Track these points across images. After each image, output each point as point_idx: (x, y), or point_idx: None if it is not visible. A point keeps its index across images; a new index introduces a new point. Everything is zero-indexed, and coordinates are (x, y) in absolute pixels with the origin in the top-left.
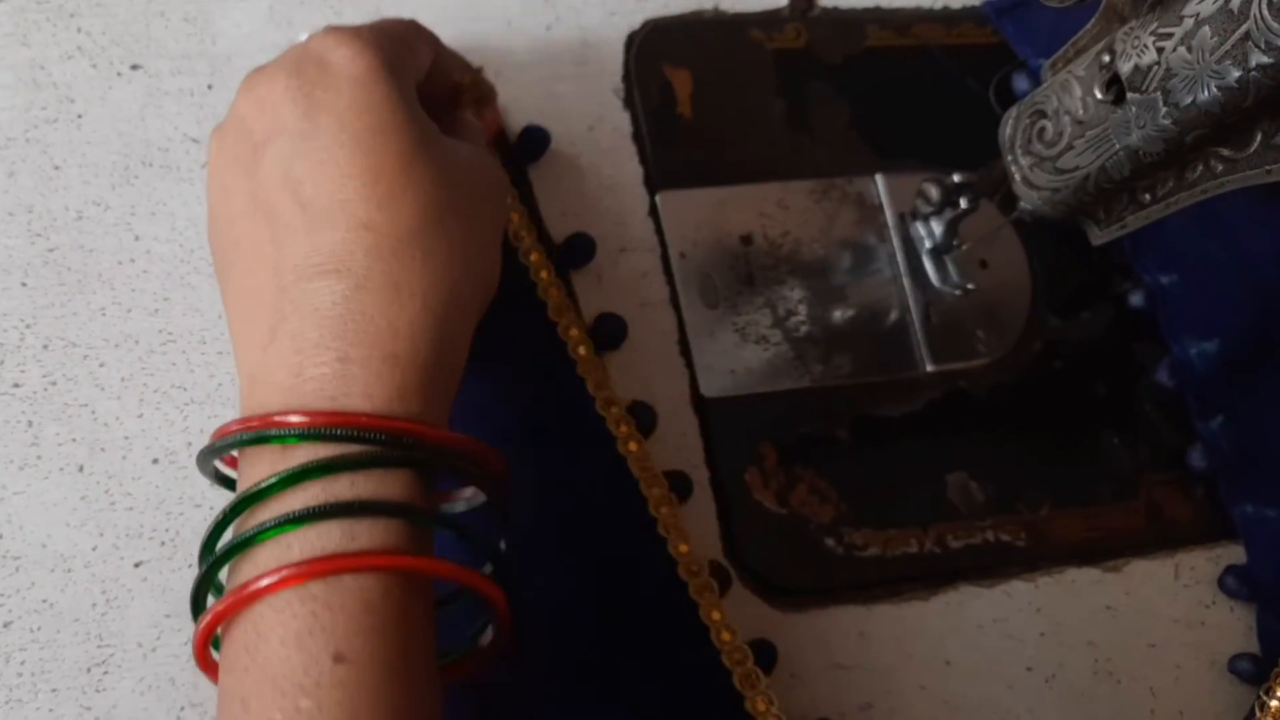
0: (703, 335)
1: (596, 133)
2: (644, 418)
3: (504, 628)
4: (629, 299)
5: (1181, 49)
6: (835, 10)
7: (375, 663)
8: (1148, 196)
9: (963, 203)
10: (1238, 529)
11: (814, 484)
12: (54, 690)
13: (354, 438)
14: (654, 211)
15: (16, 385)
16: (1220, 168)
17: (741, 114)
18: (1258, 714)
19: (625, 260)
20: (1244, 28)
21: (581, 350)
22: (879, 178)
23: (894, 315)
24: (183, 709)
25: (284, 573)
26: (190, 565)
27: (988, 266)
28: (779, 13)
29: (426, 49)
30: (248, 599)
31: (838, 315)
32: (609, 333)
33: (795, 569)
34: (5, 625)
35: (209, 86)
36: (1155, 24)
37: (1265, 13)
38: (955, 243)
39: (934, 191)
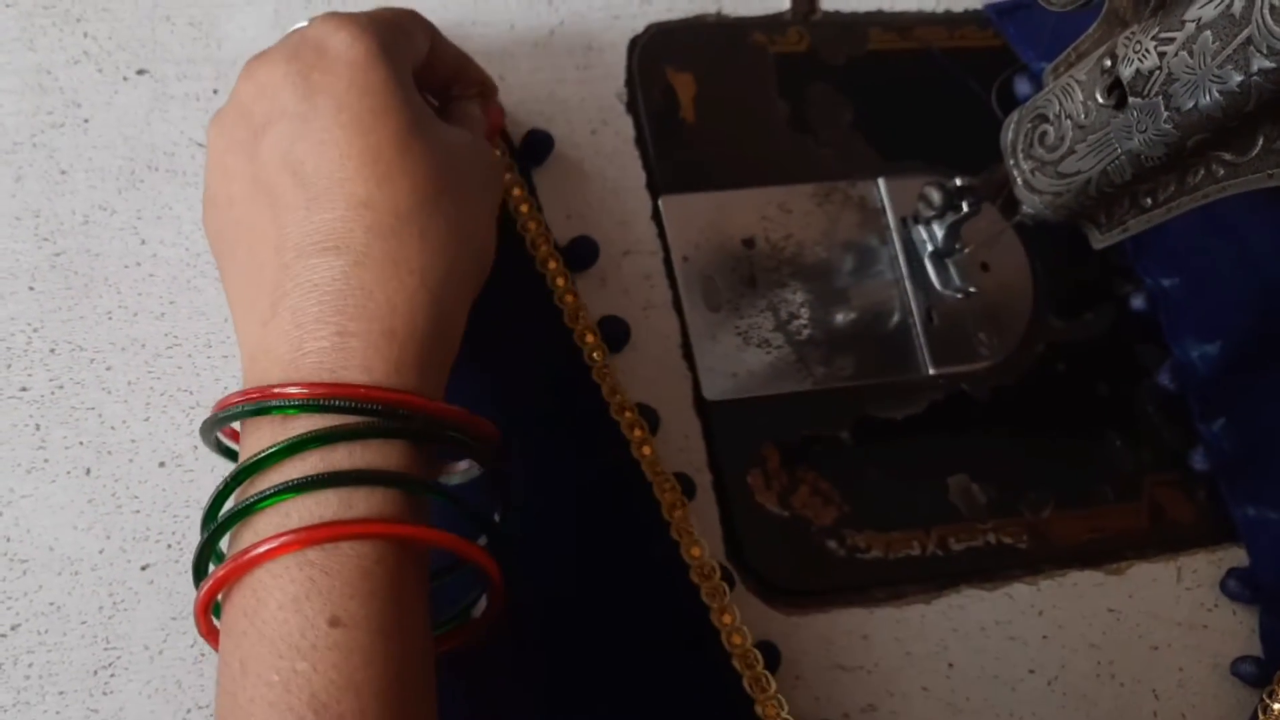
0: (705, 338)
1: (600, 136)
2: (647, 420)
3: (497, 599)
4: (632, 302)
5: (1183, 53)
6: (837, 13)
7: (370, 627)
8: (1149, 200)
9: (965, 206)
10: (1240, 531)
11: (816, 486)
12: (61, 692)
13: (352, 409)
14: (657, 215)
15: (24, 389)
16: (1222, 172)
17: (744, 117)
18: (1260, 717)
19: (628, 263)
20: (1246, 32)
21: (596, 355)
22: (881, 181)
23: (896, 318)
24: (189, 711)
25: (283, 539)
26: None
27: (989, 269)
28: (781, 16)
29: (423, 36)
30: (248, 564)
31: (840, 318)
32: (612, 336)
33: (798, 571)
34: (13, 628)
35: (214, 91)
36: (1157, 28)
37: (1267, 17)
38: (957, 246)
39: (936, 195)
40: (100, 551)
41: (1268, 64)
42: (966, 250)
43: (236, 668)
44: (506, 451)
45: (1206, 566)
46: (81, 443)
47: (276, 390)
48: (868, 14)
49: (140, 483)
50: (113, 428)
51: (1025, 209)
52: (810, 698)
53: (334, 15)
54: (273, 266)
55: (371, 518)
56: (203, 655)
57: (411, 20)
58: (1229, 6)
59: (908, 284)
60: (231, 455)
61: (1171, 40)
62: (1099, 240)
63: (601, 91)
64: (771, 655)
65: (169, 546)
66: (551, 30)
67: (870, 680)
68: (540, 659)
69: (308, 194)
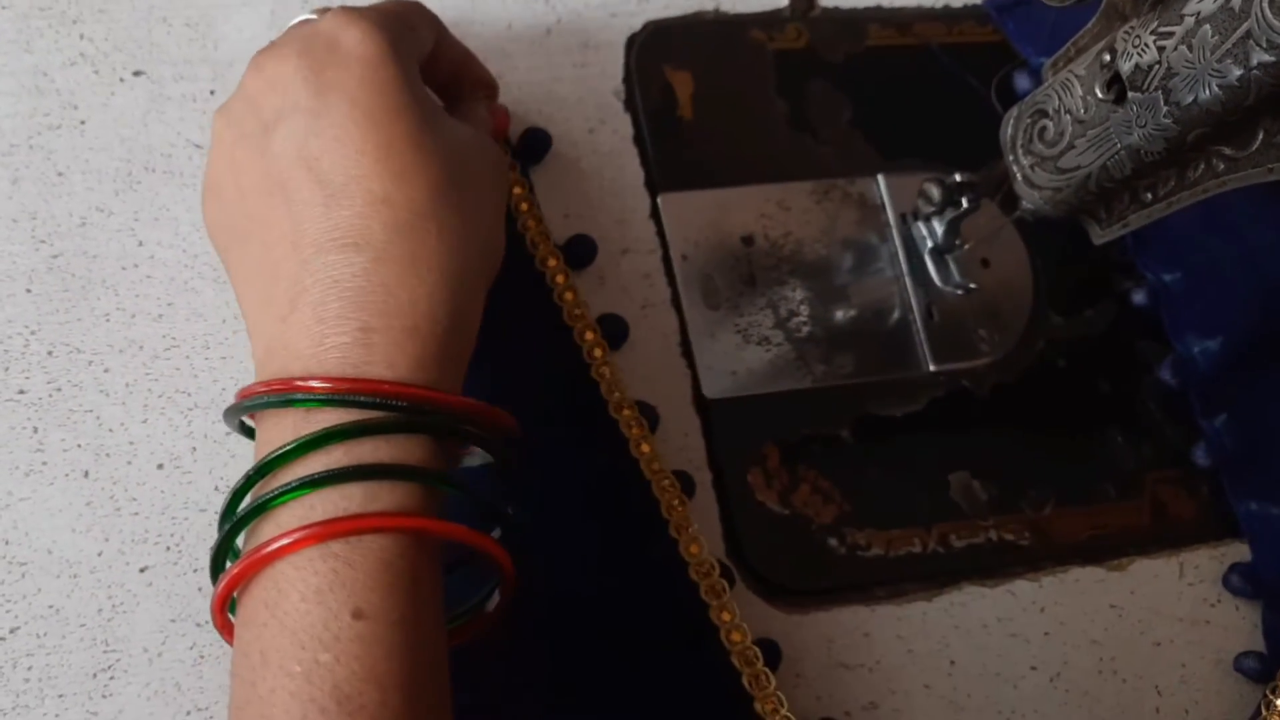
0: (704, 336)
1: (598, 135)
2: (646, 419)
3: (509, 592)
4: (631, 300)
5: (1182, 48)
6: (836, 10)
7: (391, 619)
8: (1149, 195)
9: (964, 202)
10: (1242, 527)
11: (817, 484)
12: (60, 695)
13: (377, 404)
14: (655, 213)
15: (21, 392)
16: (1222, 166)
17: (742, 115)
18: (1264, 712)
19: (627, 262)
20: (1245, 26)
21: (598, 353)
22: (880, 178)
23: (896, 315)
24: (189, 713)
25: (309, 530)
26: (196, 569)
27: (989, 265)
28: (780, 13)
29: (429, 30)
30: (273, 555)
31: (840, 315)
32: (611, 334)
33: (798, 569)
34: (12, 631)
35: (211, 92)
36: (1156, 23)
37: (1267, 11)
38: (957, 242)
39: (935, 191)
40: (99, 554)
41: (1267, 58)
42: (966, 246)
43: (256, 658)
44: (519, 443)
45: (1209, 562)
46: (79, 445)
47: (299, 383)
48: (866, 10)
49: (138, 485)
50: (111, 430)
51: (1025, 205)
52: (811, 696)
53: (344, 10)
54: (290, 262)
55: (395, 511)
56: (202, 658)
57: (418, 14)
58: (1228, 0)
59: (907, 281)
60: (254, 434)
61: (1170, 35)
62: (1099, 236)
63: (599, 89)
64: (773, 653)
65: (167, 549)
66: (549, 28)
67: (872, 678)
68: (539, 656)
69: (325, 190)
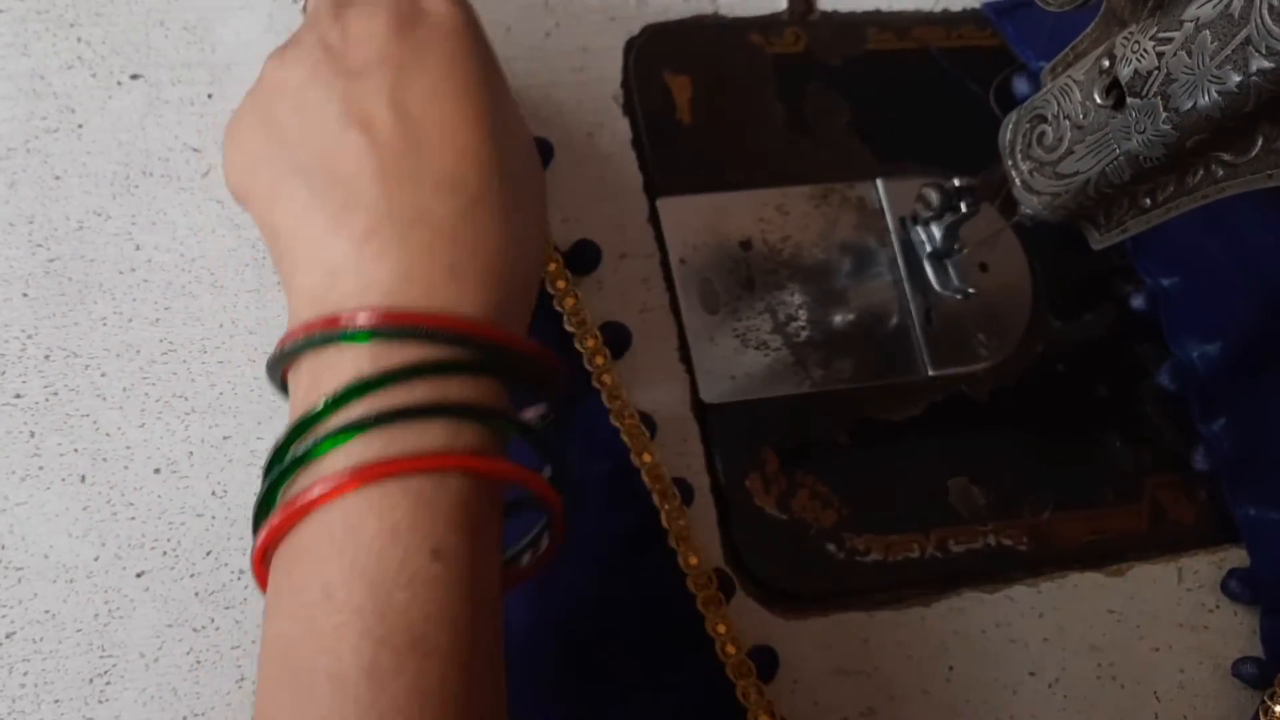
0: (703, 341)
1: (596, 139)
2: (644, 424)
3: (559, 534)
4: (629, 305)
5: (1181, 53)
6: (835, 13)
7: (465, 564)
8: (1148, 201)
9: (963, 207)
10: (1241, 532)
11: (815, 489)
12: (56, 701)
13: (463, 342)
14: (654, 217)
15: (18, 396)
16: (1221, 172)
17: (741, 119)
18: (1262, 718)
19: (625, 266)
20: (1244, 32)
21: (599, 360)
22: (879, 182)
23: (894, 319)
24: (185, 719)
25: (397, 461)
26: (193, 574)
27: (988, 270)
28: (778, 16)
29: None
30: (354, 481)
31: (838, 320)
32: (614, 342)
33: (797, 575)
34: (8, 636)
35: (209, 95)
36: (1155, 28)
37: (1266, 17)
38: (956, 246)
39: (934, 196)
40: (95, 558)
41: (1266, 64)
42: (965, 251)
43: (316, 594)
44: (572, 394)
45: (1207, 567)
46: (76, 449)
47: (393, 316)
48: (865, 14)
49: (135, 489)
50: (107, 434)
51: (1024, 209)
52: (809, 702)
53: None
54: (372, 193)
55: (476, 450)
56: (198, 663)
57: None
58: (1227, 6)
59: (906, 285)
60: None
61: (1170, 40)
62: (1098, 241)
63: (598, 94)
64: (770, 659)
65: (164, 553)
66: (547, 33)
67: (870, 684)
68: (537, 663)
69: (416, 133)
